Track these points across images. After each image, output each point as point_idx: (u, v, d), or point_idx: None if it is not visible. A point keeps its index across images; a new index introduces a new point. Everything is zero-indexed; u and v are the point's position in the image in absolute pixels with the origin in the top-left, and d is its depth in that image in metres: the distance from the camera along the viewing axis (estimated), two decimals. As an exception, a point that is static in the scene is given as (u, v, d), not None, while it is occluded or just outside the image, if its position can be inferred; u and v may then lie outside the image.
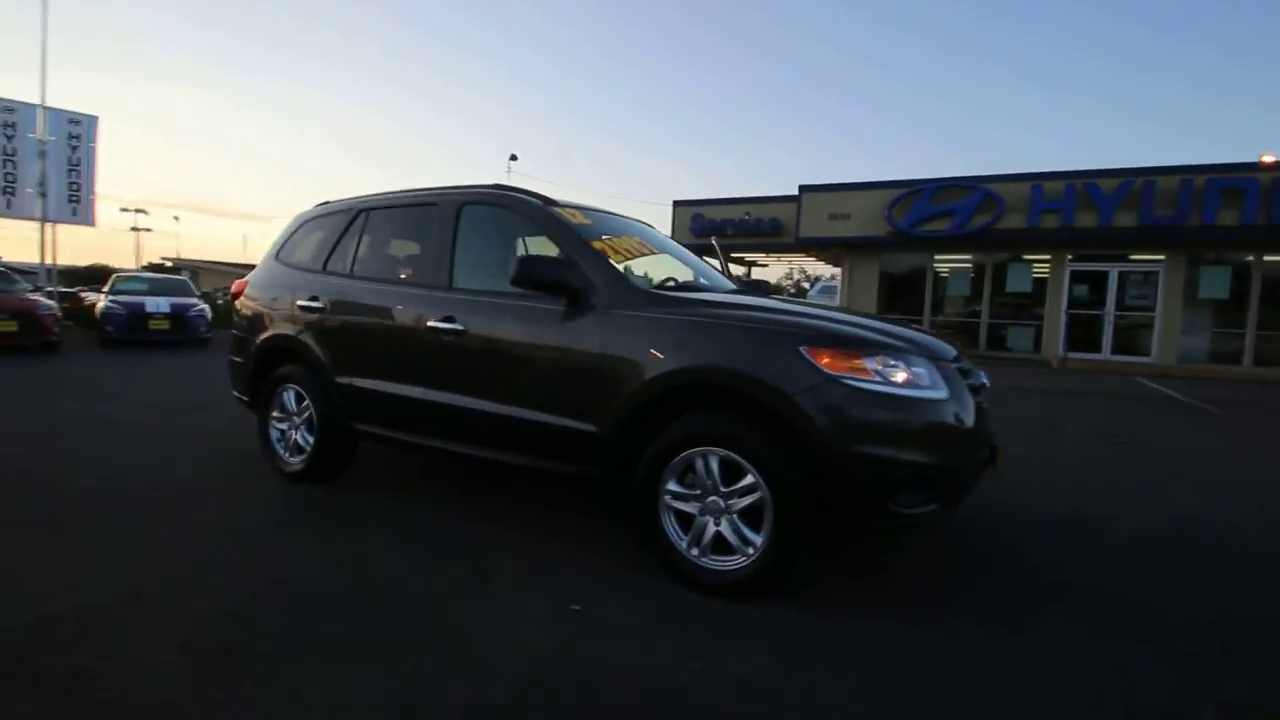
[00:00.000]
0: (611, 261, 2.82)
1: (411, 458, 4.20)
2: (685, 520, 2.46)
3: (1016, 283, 15.67)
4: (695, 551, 2.42)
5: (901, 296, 17.11)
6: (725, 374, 2.33)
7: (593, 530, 3.01)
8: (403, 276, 3.37)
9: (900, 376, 2.23)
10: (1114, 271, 14.67)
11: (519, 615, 2.18)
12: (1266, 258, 13.33)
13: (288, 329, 3.64)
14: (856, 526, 2.27)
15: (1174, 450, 5.49)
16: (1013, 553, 2.93)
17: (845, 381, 2.18)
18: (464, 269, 3.14)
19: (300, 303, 3.58)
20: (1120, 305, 14.61)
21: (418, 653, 1.92)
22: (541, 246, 3.11)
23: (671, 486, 2.46)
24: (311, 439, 3.55)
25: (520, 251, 3.31)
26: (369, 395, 3.29)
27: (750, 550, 2.31)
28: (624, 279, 2.76)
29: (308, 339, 3.53)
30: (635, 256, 3.16)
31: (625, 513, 2.74)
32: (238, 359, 3.97)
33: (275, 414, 3.73)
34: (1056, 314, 15.02)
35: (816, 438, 2.16)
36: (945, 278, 16.91)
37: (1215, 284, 13.71)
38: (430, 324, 3.04)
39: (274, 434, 3.75)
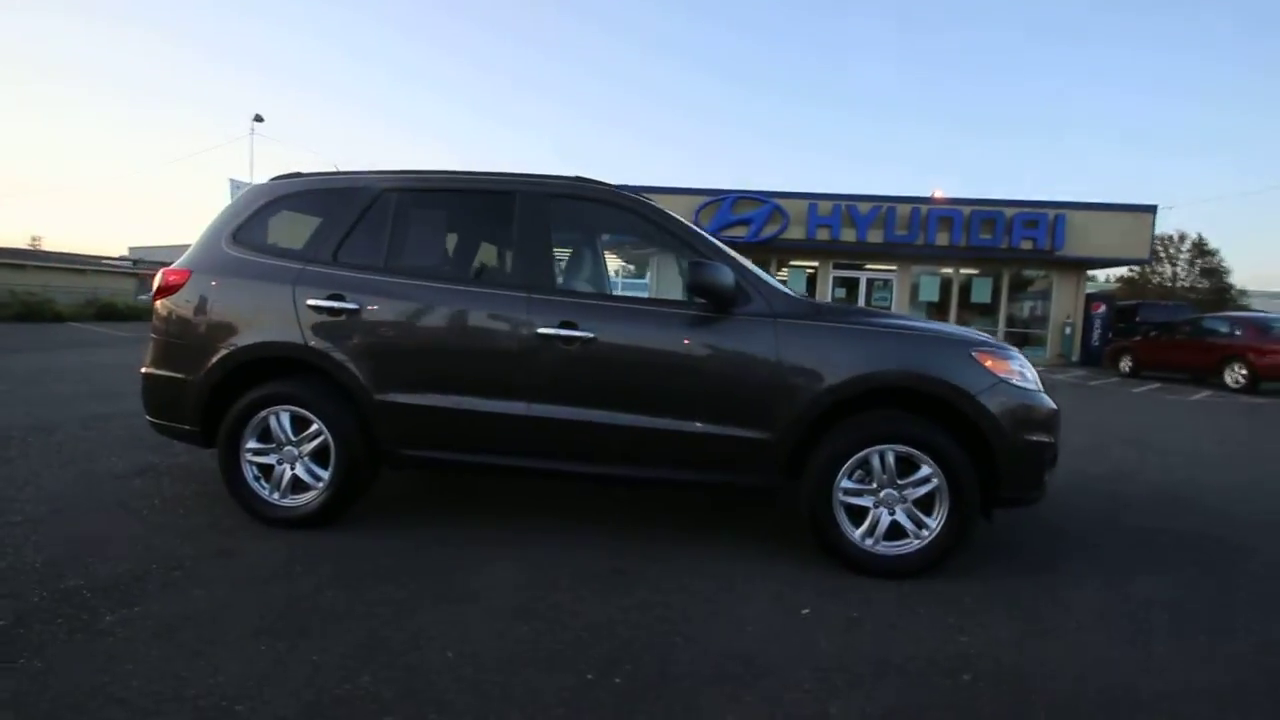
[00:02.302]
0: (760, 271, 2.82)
1: (393, 482, 3.59)
2: (855, 513, 2.62)
3: (793, 285, 18.45)
4: (870, 541, 2.60)
5: (703, 294, 18.91)
6: (920, 379, 2.54)
7: (723, 540, 2.99)
8: (475, 275, 2.87)
9: (1029, 374, 2.70)
10: (863, 277, 18.21)
11: (757, 619, 2.14)
12: (962, 270, 17.77)
13: (287, 335, 2.83)
14: (1018, 501, 2.67)
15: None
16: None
17: (1008, 381, 2.57)
18: (568, 270, 2.82)
19: (312, 302, 2.82)
20: (867, 304, 18.17)
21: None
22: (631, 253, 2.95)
23: (845, 484, 2.60)
24: (326, 472, 2.83)
25: (609, 254, 3.07)
26: (433, 415, 2.76)
27: (925, 533, 2.58)
28: (780, 288, 2.78)
29: (328, 348, 2.80)
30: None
31: (784, 513, 2.78)
32: (174, 375, 2.95)
33: (253, 445, 2.87)
34: (824, 311, 18.09)
35: (996, 430, 2.51)
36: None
37: (930, 289, 17.84)
38: (541, 331, 2.68)
39: (249, 471, 2.89)
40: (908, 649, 2.05)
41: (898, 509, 2.59)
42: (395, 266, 2.92)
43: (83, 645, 1.89)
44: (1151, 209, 15.79)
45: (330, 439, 2.81)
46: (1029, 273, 18.15)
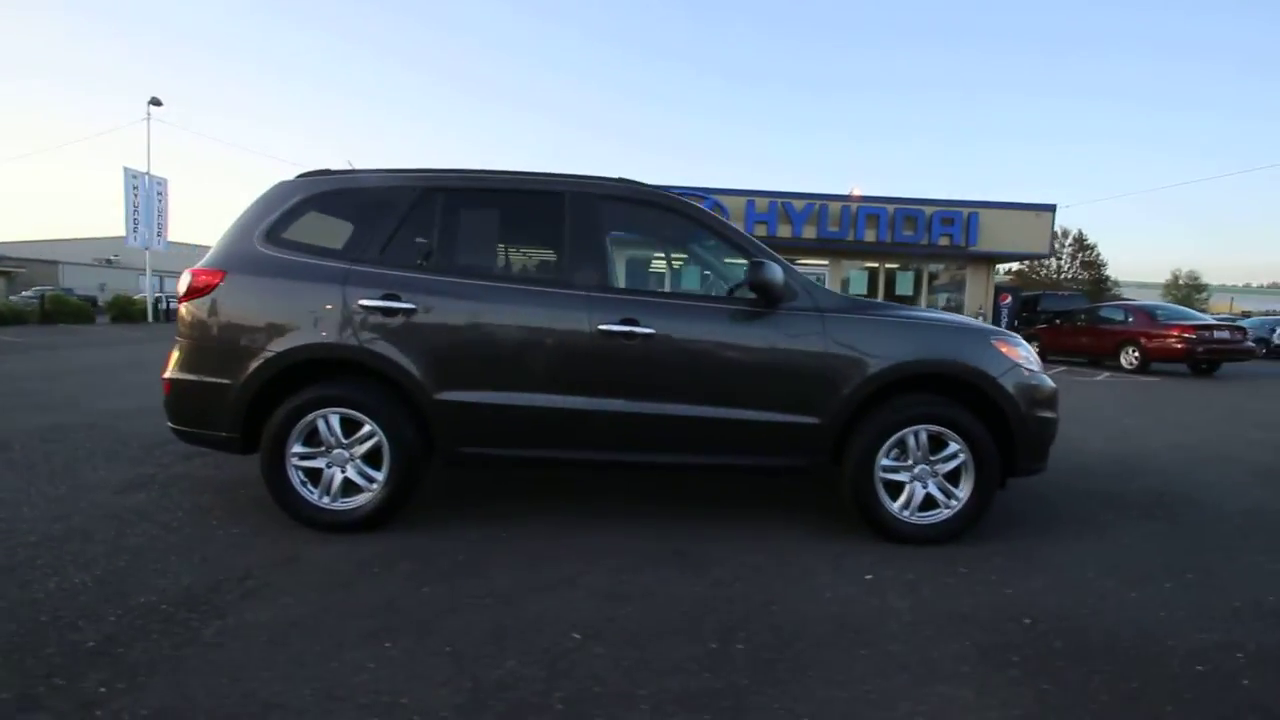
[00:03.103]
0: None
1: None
2: (892, 488, 2.90)
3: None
4: (906, 512, 2.88)
5: (645, 289, 19.21)
6: (952, 365, 2.84)
7: (763, 518, 3.19)
8: (531, 274, 2.92)
9: (1034, 359, 3.06)
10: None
11: (852, 590, 2.37)
12: (886, 265, 18.94)
13: (339, 336, 2.79)
14: (1030, 472, 3.02)
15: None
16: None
17: (1020, 365, 2.92)
18: (622, 268, 2.93)
19: (365, 303, 2.78)
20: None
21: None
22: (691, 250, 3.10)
23: (884, 462, 2.86)
24: (380, 473, 2.82)
25: (659, 253, 3.20)
26: (495, 412, 2.81)
27: (954, 503, 2.88)
28: (819, 285, 3.00)
29: (384, 348, 2.77)
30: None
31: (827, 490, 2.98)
32: (209, 380, 2.83)
33: (299, 450, 2.81)
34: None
35: (1014, 409, 2.85)
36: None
37: (859, 283, 18.87)
38: (603, 328, 2.78)
39: (295, 476, 2.83)
40: (969, 602, 2.33)
41: (930, 482, 2.89)
42: (447, 266, 2.94)
43: (199, 658, 1.86)
44: (1051, 208, 17.45)
45: (384, 440, 2.79)
46: (934, 267, 19.53)
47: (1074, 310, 15.61)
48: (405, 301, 2.79)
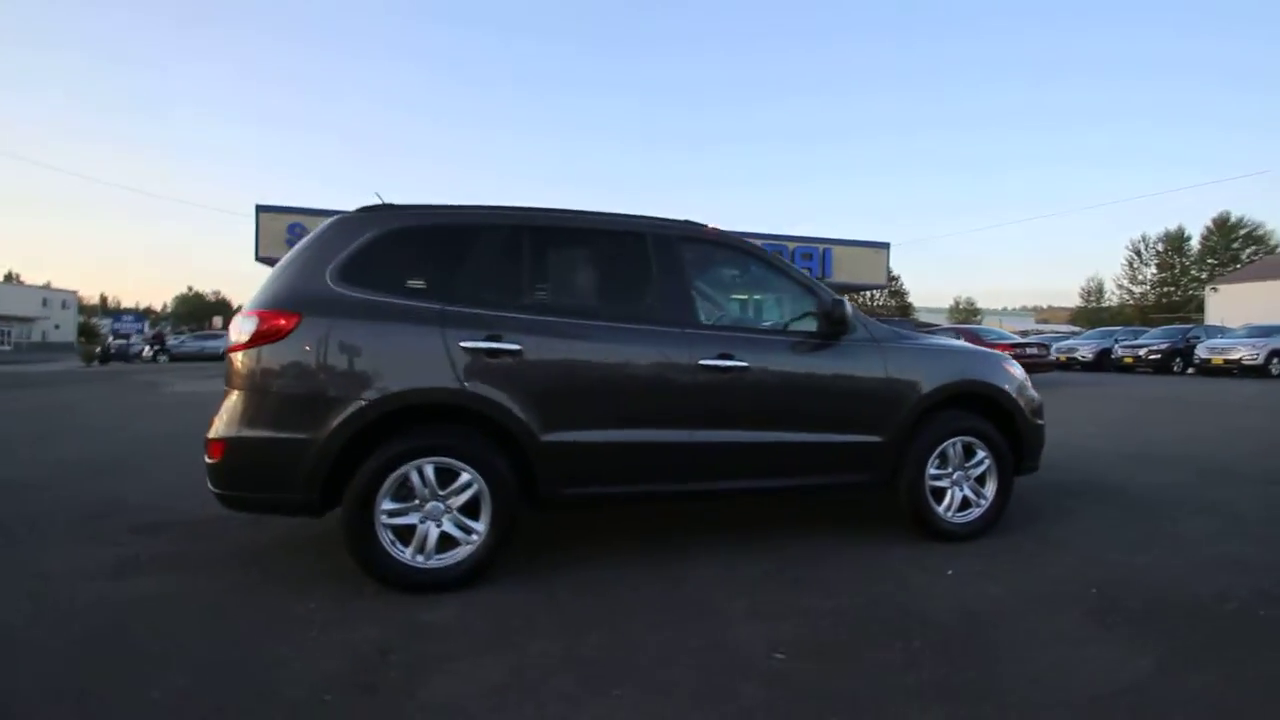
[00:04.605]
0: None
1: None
2: (936, 494, 3.33)
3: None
4: (949, 514, 3.33)
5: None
6: (981, 384, 3.35)
7: (825, 535, 3.46)
8: (622, 312, 2.97)
9: (1025, 376, 3.70)
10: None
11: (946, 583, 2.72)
12: (754, 296, 20.54)
13: (441, 380, 2.63)
14: (1029, 470, 3.60)
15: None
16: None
17: (1023, 382, 3.53)
18: (703, 305, 3.10)
19: (468, 345, 2.65)
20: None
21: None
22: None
23: (932, 470, 3.30)
24: (479, 523, 2.69)
25: (720, 290, 3.39)
26: (603, 451, 2.82)
27: (983, 503, 3.39)
28: (865, 316, 3.39)
29: (489, 391, 2.66)
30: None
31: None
32: (283, 436, 2.52)
33: (388, 506, 2.60)
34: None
35: (1023, 419, 3.43)
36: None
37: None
38: (703, 362, 2.92)
39: (385, 536, 2.61)
40: (1037, 582, 2.78)
41: (965, 486, 3.37)
42: (543, 305, 2.90)
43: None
44: (886, 245, 20.25)
45: (484, 487, 2.67)
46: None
47: (911, 333, 18.17)
48: (509, 342, 2.72)
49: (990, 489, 3.39)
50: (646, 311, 3.01)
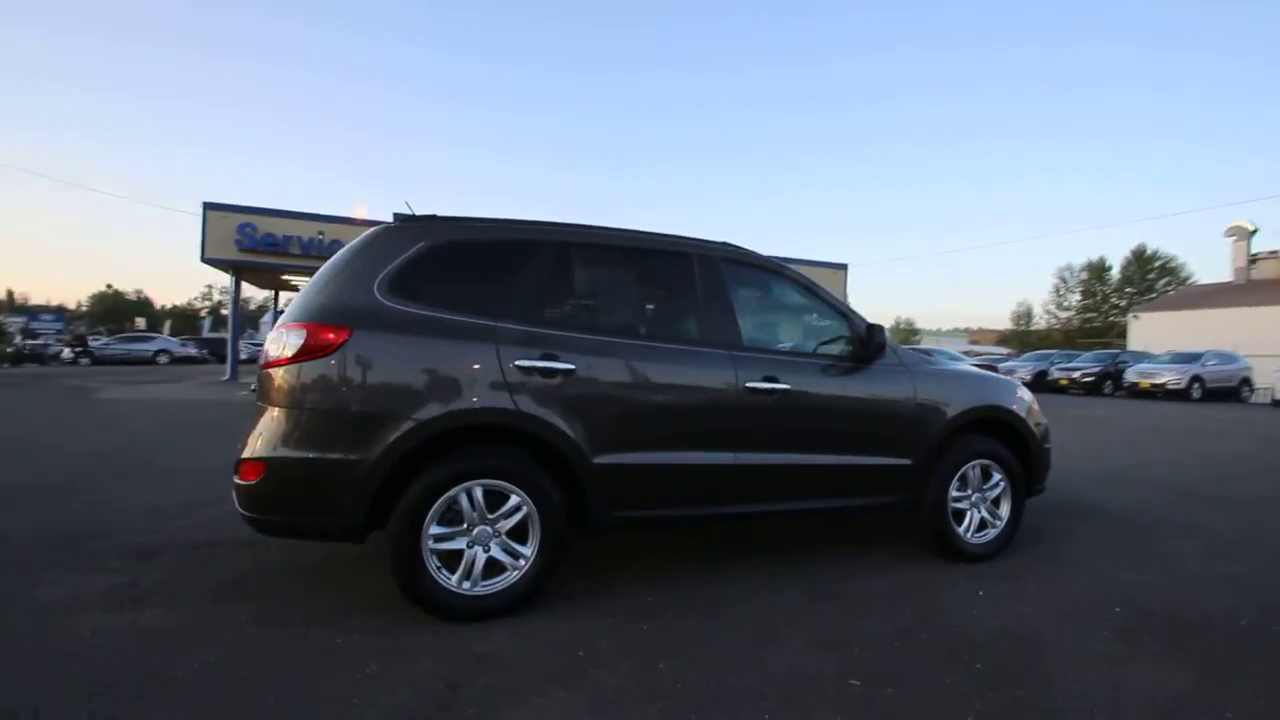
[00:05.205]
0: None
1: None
2: (956, 516, 3.44)
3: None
4: (969, 535, 3.45)
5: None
6: (1000, 410, 3.49)
7: (847, 559, 3.51)
8: (671, 333, 2.96)
9: (1035, 401, 3.87)
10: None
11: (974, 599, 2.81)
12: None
13: (495, 400, 2.55)
14: (1038, 492, 3.75)
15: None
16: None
17: (1033, 407, 3.70)
18: (746, 328, 3.12)
19: (523, 363, 2.59)
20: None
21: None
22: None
23: (954, 492, 3.41)
24: (527, 548, 2.62)
25: (758, 312, 3.43)
26: (653, 473, 2.80)
27: (998, 523, 3.52)
28: (894, 341, 3.48)
29: (543, 411, 2.60)
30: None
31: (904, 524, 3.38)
32: (330, 456, 2.39)
33: (436, 531, 2.50)
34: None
35: (1035, 443, 3.60)
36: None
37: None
38: (749, 385, 2.94)
39: (432, 563, 2.50)
40: (1062, 601, 2.91)
41: (981, 508, 3.50)
42: (594, 324, 2.87)
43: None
44: (844, 266, 20.90)
45: (533, 510, 2.61)
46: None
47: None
48: (564, 361, 2.67)
49: (1005, 510, 3.53)
50: (693, 332, 3.01)
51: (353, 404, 2.44)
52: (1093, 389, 19.49)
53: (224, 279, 21.03)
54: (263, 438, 2.44)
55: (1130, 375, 18.64)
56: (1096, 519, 4.43)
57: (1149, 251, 48.59)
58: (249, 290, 29.88)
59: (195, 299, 73.31)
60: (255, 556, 3.23)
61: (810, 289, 3.38)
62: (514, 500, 2.59)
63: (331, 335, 2.44)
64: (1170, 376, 17.49)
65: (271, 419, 2.46)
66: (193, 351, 31.05)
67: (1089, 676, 2.23)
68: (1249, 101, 74.55)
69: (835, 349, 3.33)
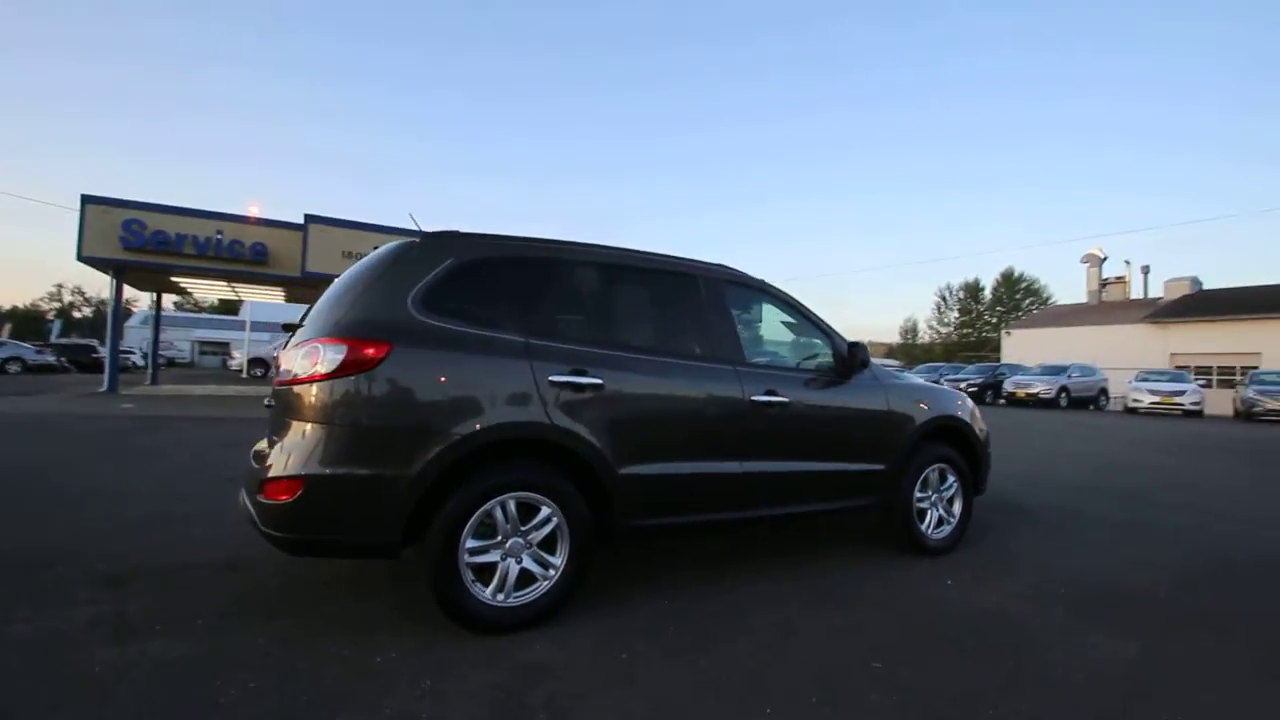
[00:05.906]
0: None
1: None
2: (920, 515, 3.83)
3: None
4: (930, 531, 3.85)
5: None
6: (954, 419, 3.92)
7: (830, 557, 3.80)
8: (684, 350, 3.13)
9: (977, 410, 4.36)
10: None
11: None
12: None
13: (531, 415, 2.61)
14: (981, 493, 4.22)
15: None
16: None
17: (977, 416, 4.18)
18: (746, 345, 3.34)
19: (556, 378, 2.67)
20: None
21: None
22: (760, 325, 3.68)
23: (917, 493, 3.80)
24: (556, 558, 2.70)
25: (753, 329, 3.65)
26: (672, 483, 2.95)
27: (953, 520, 3.96)
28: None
29: (574, 425, 2.69)
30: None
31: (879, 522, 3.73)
32: (369, 472, 2.36)
33: (471, 544, 2.54)
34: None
35: (981, 448, 4.07)
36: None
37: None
38: (755, 399, 3.16)
39: (467, 575, 2.53)
40: (1019, 586, 3.33)
41: (940, 507, 3.92)
42: (614, 340, 2.98)
43: None
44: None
45: (563, 521, 2.70)
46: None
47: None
48: (593, 376, 2.77)
49: (958, 508, 3.97)
50: (703, 349, 3.20)
51: (395, 419, 2.43)
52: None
53: (80, 279, 18.92)
54: (294, 455, 2.37)
55: (1008, 385, 20.82)
56: (1022, 514, 5.02)
57: (1016, 274, 54.32)
58: (106, 293, 26.95)
59: (41, 299, 65.04)
60: (244, 579, 3.07)
61: (796, 308, 3.68)
62: (545, 512, 2.66)
63: (373, 350, 2.41)
64: (1042, 387, 19.72)
65: (304, 435, 2.39)
66: (50, 359, 27.53)
67: (1063, 647, 2.60)
68: (1096, 140, 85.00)
69: (819, 364, 3.64)
